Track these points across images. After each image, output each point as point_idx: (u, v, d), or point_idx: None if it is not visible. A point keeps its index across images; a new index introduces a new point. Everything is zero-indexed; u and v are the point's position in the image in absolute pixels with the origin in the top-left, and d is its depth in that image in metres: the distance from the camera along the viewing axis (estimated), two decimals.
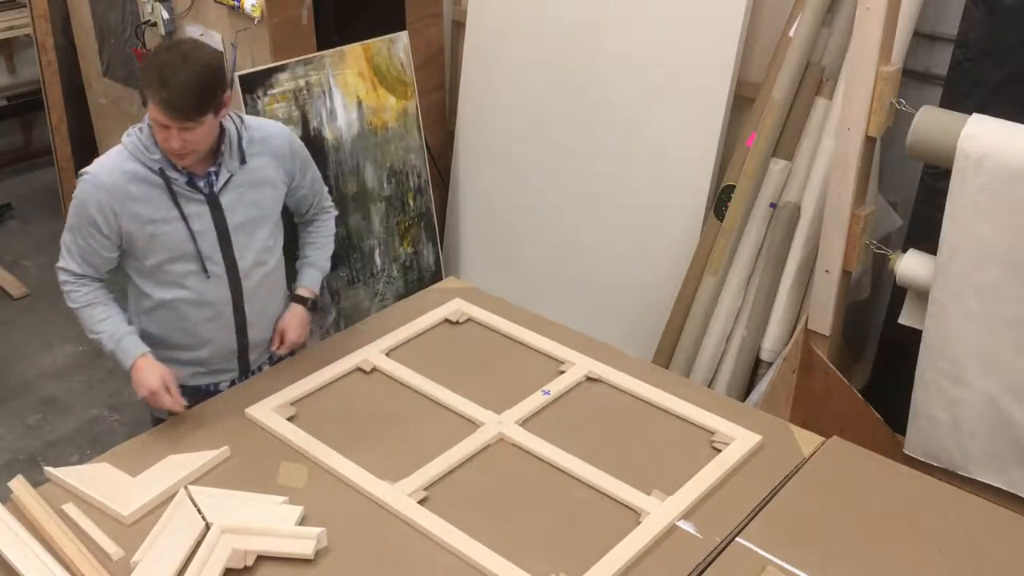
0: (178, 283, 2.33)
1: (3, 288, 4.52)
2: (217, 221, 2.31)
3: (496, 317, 2.67)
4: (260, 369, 2.55)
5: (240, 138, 2.31)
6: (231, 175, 2.31)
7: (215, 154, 2.28)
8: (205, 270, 2.32)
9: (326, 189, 2.62)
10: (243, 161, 2.32)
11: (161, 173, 2.23)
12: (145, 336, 2.34)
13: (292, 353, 2.56)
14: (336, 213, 2.67)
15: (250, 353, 2.49)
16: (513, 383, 2.42)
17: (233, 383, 2.49)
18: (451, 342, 2.62)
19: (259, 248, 2.40)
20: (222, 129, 2.28)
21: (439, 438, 2.22)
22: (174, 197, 2.26)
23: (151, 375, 2.25)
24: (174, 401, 2.27)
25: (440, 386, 2.40)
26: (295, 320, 2.51)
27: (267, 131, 2.40)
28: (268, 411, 2.30)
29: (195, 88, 2.11)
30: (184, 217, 2.27)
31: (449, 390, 2.38)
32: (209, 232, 2.31)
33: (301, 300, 2.54)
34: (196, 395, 2.40)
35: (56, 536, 1.94)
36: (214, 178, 2.29)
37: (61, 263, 2.33)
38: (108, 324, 2.30)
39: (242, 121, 2.34)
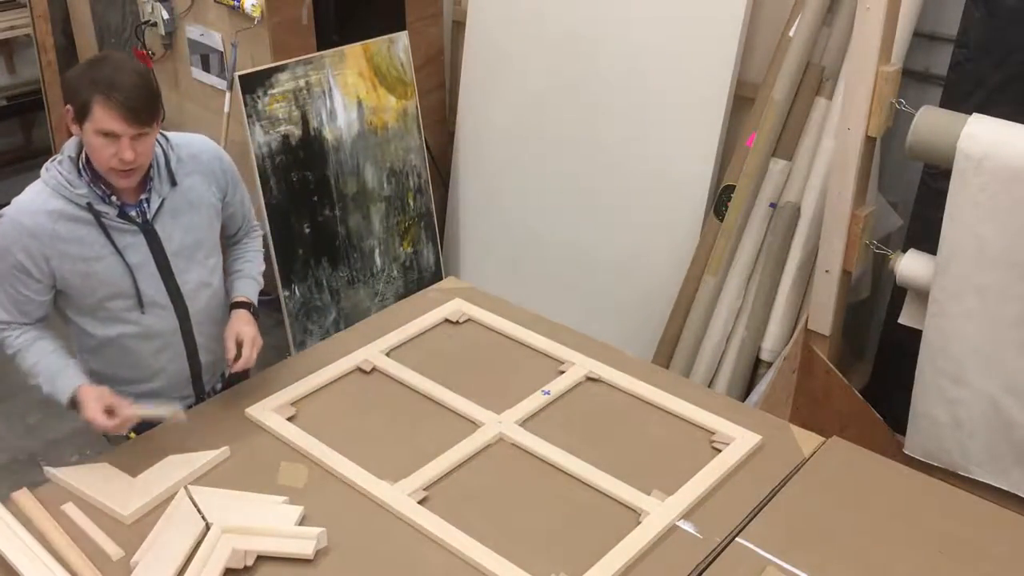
0: (121, 319, 2.21)
1: None
2: (155, 250, 2.18)
3: (496, 317, 2.67)
4: (215, 390, 2.46)
5: (168, 160, 2.18)
6: (163, 199, 2.17)
7: (145, 180, 2.15)
8: (141, 305, 2.19)
9: (252, 209, 2.50)
10: (173, 183, 2.18)
11: (89, 208, 2.09)
12: (93, 374, 2.21)
13: (246, 374, 2.39)
14: (262, 233, 2.55)
15: (203, 375, 2.39)
16: (513, 383, 2.42)
17: (190, 408, 2.37)
18: (451, 342, 2.62)
19: (202, 271, 2.29)
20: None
21: (439, 438, 2.22)
22: (106, 232, 2.12)
23: (88, 406, 2.06)
24: (121, 421, 2.08)
25: (440, 386, 2.39)
26: (247, 327, 2.30)
27: (195, 148, 2.26)
28: (268, 411, 2.30)
29: (146, 89, 2.01)
30: (119, 251, 2.13)
31: (449, 390, 2.38)
32: (147, 263, 2.18)
33: (244, 305, 2.35)
34: (154, 426, 2.29)
35: (56, 536, 1.94)
36: (146, 205, 2.15)
37: None
38: (40, 366, 2.15)
39: (167, 140, 2.20)
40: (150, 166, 2.14)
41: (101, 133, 2.00)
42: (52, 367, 2.15)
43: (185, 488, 2.04)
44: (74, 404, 2.11)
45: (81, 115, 2.01)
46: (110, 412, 2.07)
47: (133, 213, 2.15)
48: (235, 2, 3.55)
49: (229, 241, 2.48)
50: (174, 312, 2.26)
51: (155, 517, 2.00)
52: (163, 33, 3.95)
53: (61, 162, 2.12)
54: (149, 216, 2.17)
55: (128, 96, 1.97)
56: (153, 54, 4.08)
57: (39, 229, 2.07)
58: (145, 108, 2.00)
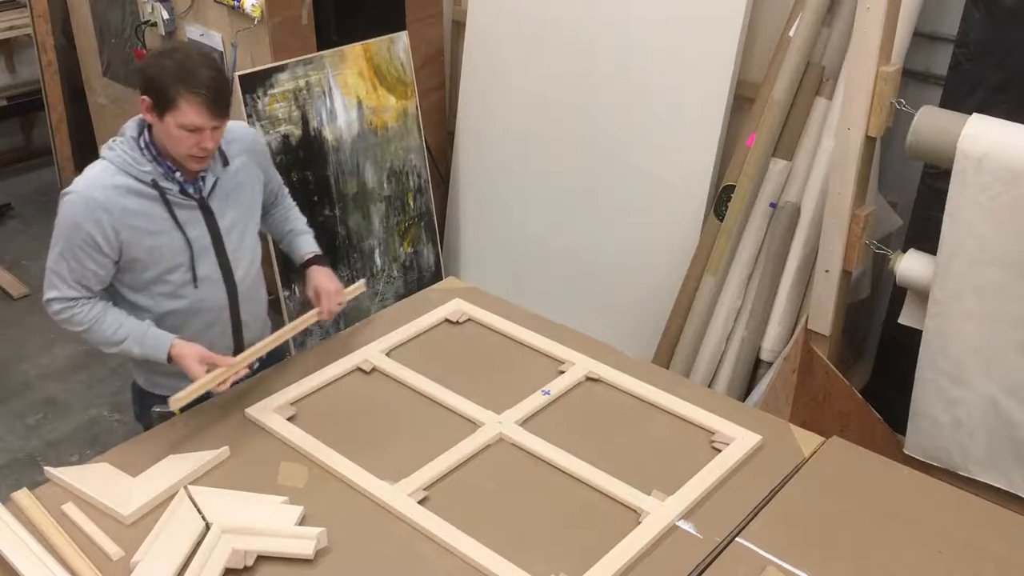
0: (175, 294, 2.31)
1: (3, 288, 4.52)
2: (210, 226, 2.31)
3: (496, 317, 2.67)
4: (252, 370, 2.48)
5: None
6: (216, 179, 2.30)
7: None
8: (195, 279, 2.30)
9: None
10: (225, 163, 2.32)
11: (154, 184, 2.21)
12: None
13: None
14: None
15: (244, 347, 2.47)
16: (513, 383, 2.42)
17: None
18: (451, 342, 2.62)
19: (249, 248, 2.41)
20: None
21: (439, 438, 2.22)
22: (169, 207, 2.24)
23: (192, 364, 2.20)
24: (224, 365, 2.22)
25: (440, 386, 2.40)
26: (325, 278, 2.49)
27: (238, 131, 2.39)
28: (268, 411, 2.30)
29: (223, 82, 2.14)
30: (180, 226, 2.25)
31: (449, 390, 2.38)
32: (203, 237, 2.30)
33: (317, 259, 2.54)
34: (198, 400, 2.36)
35: (56, 536, 1.94)
36: (202, 183, 2.28)
37: (51, 294, 2.23)
38: (125, 330, 2.25)
39: None
40: None
41: (184, 127, 2.11)
42: (135, 330, 2.25)
43: (185, 488, 2.04)
44: (170, 359, 2.24)
45: (162, 108, 2.11)
46: (209, 367, 2.20)
47: (191, 190, 2.27)
48: (235, 2, 3.55)
49: (267, 207, 2.58)
50: (224, 288, 2.37)
51: (155, 517, 2.00)
52: (163, 33, 3.95)
53: (123, 142, 2.22)
54: (204, 194, 2.29)
55: (210, 91, 2.09)
56: None
57: (110, 203, 2.17)
58: (225, 101, 2.14)
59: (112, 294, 2.32)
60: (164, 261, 2.26)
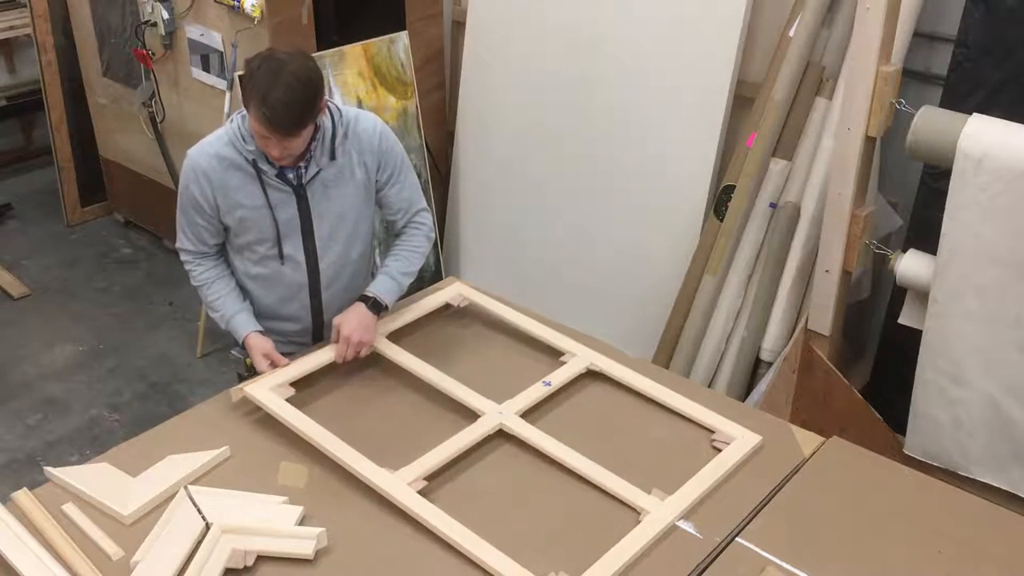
0: (261, 263, 2.44)
1: (3, 288, 4.52)
2: (302, 211, 2.38)
3: (498, 304, 2.67)
4: None
5: (334, 135, 2.35)
6: (319, 170, 2.36)
7: (307, 146, 2.32)
8: (281, 256, 2.41)
9: (423, 204, 2.58)
10: (332, 157, 2.36)
11: (254, 164, 2.31)
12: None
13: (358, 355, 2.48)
14: (430, 233, 2.60)
15: (324, 332, 2.55)
16: (514, 373, 2.42)
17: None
18: (452, 332, 2.62)
19: (341, 239, 2.46)
20: (316, 126, 2.31)
21: (440, 427, 2.22)
22: (263, 187, 2.33)
23: (257, 357, 2.40)
24: (281, 365, 2.40)
25: (441, 374, 2.39)
26: (351, 316, 2.43)
27: (360, 125, 2.42)
28: (265, 390, 2.29)
29: (294, 106, 2.15)
30: (271, 206, 2.35)
31: (450, 378, 2.38)
32: (292, 220, 2.38)
33: (362, 298, 2.47)
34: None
35: (56, 536, 1.94)
36: (303, 171, 2.34)
37: (178, 243, 2.46)
38: (221, 303, 2.45)
39: (339, 113, 2.37)
40: (312, 138, 2.31)
41: (255, 131, 2.23)
42: (229, 309, 2.45)
43: (185, 488, 2.04)
44: (246, 347, 2.44)
45: (244, 99, 2.23)
46: (273, 363, 2.39)
47: (291, 175, 2.35)
48: (235, 2, 3.55)
49: (392, 228, 2.61)
50: (306, 270, 2.46)
51: (155, 517, 2.00)
52: (163, 33, 3.95)
53: (244, 117, 2.30)
54: (304, 180, 2.36)
55: (276, 112, 2.13)
56: (153, 54, 4.08)
57: (211, 172, 2.33)
58: (293, 123, 2.18)
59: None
60: (251, 232, 2.39)
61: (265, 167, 2.32)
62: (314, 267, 2.46)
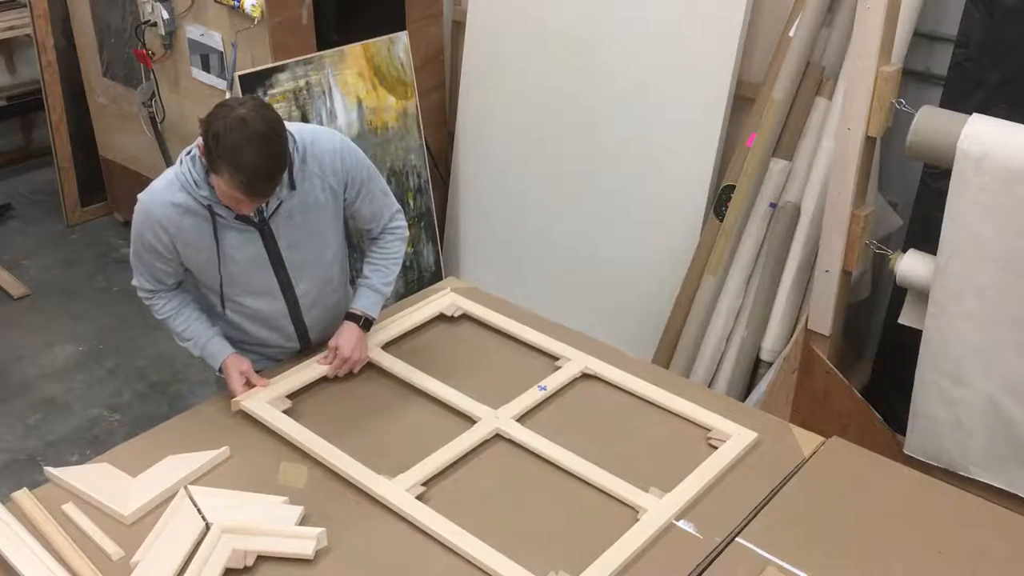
0: (233, 300, 2.38)
1: (3, 288, 4.52)
2: (268, 246, 2.30)
3: (491, 312, 2.68)
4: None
5: (292, 164, 2.22)
6: (280, 202, 2.25)
7: None
8: (249, 293, 2.36)
9: (395, 208, 2.51)
10: (292, 187, 2.25)
11: (209, 209, 2.21)
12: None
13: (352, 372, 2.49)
14: (404, 234, 2.55)
15: (314, 346, 2.54)
16: (509, 379, 2.42)
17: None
18: (447, 338, 2.62)
19: (317, 265, 2.41)
20: None
21: (436, 433, 2.23)
22: (216, 233, 2.24)
23: (233, 378, 2.35)
24: (259, 385, 2.38)
25: (437, 381, 2.40)
26: (348, 336, 2.43)
27: (319, 146, 2.30)
28: (262, 403, 2.30)
29: (269, 167, 2.07)
30: (228, 251, 2.27)
31: (446, 385, 2.38)
32: (260, 257, 2.30)
33: (353, 317, 2.46)
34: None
35: (56, 536, 1.94)
36: (264, 207, 2.24)
37: (135, 281, 2.39)
38: (191, 331, 2.39)
39: (294, 140, 2.22)
40: None
41: (223, 192, 2.12)
42: (200, 336, 2.39)
43: (185, 488, 2.04)
44: (221, 370, 2.39)
45: (209, 163, 2.09)
46: (249, 384, 2.36)
47: (252, 214, 2.25)
48: (235, 2, 3.55)
49: (367, 235, 2.55)
50: (284, 301, 2.41)
51: (155, 517, 2.00)
52: (163, 33, 3.95)
53: (194, 159, 2.20)
54: (266, 215, 2.27)
55: (252, 178, 2.05)
56: (153, 54, 4.08)
57: (167, 220, 2.22)
58: (270, 184, 2.11)
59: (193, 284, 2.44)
60: (215, 277, 2.32)
61: (222, 211, 2.21)
62: (291, 296, 2.40)
